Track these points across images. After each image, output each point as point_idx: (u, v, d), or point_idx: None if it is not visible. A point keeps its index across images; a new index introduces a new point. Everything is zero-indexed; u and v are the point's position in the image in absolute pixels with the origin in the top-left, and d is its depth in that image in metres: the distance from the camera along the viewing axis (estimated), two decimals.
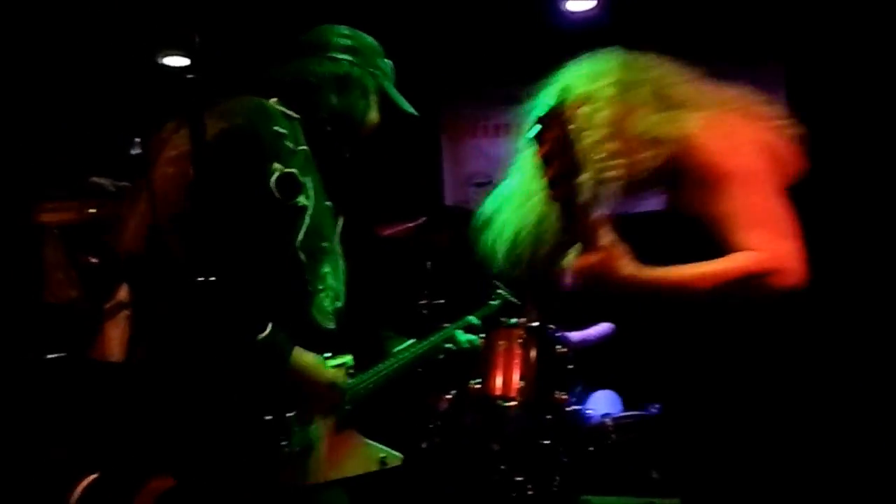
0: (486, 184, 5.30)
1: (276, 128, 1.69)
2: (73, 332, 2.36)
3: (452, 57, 4.93)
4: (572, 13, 4.58)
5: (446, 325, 2.28)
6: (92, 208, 2.33)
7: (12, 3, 3.80)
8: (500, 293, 2.68)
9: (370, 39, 1.94)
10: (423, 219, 3.54)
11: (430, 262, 3.67)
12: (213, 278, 1.39)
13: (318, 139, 1.81)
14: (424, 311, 3.62)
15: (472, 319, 2.33)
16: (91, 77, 4.18)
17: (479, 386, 3.49)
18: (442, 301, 3.61)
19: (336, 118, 1.84)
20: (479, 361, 3.51)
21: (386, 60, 1.96)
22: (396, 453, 1.89)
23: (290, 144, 1.70)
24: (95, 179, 2.38)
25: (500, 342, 3.53)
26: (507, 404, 3.41)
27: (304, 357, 1.69)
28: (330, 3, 2.55)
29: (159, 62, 4.43)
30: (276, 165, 1.64)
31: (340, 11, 2.13)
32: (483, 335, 3.52)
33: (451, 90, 5.31)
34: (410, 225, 3.55)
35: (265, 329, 1.60)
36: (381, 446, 1.88)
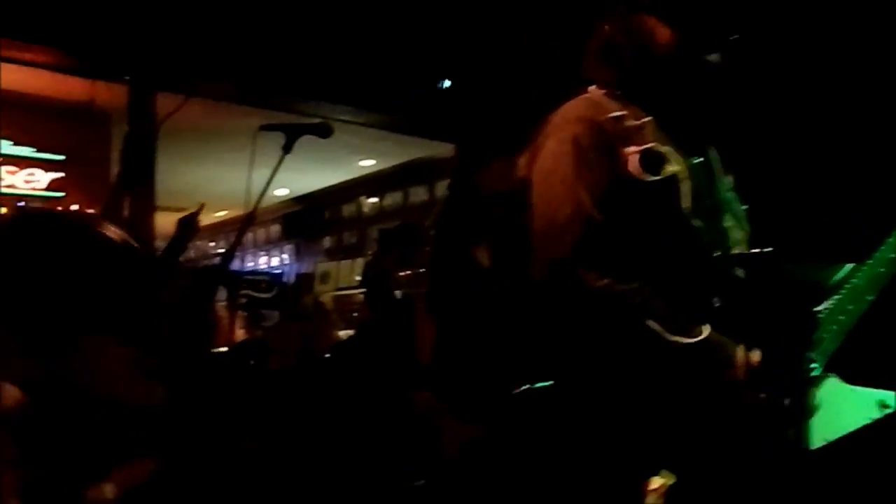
0: None
1: (609, 115, 1.65)
2: None
3: None
4: None
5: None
6: None
7: None
8: None
9: None
10: None
11: None
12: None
13: (655, 97, 1.70)
14: None
15: None
16: None
17: None
18: None
19: (637, 73, 1.72)
20: None
21: None
22: (893, 392, 1.60)
23: (631, 122, 1.65)
24: None
25: None
26: None
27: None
28: None
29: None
30: (630, 148, 1.60)
31: None
32: None
33: None
34: None
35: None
36: (870, 389, 1.62)
